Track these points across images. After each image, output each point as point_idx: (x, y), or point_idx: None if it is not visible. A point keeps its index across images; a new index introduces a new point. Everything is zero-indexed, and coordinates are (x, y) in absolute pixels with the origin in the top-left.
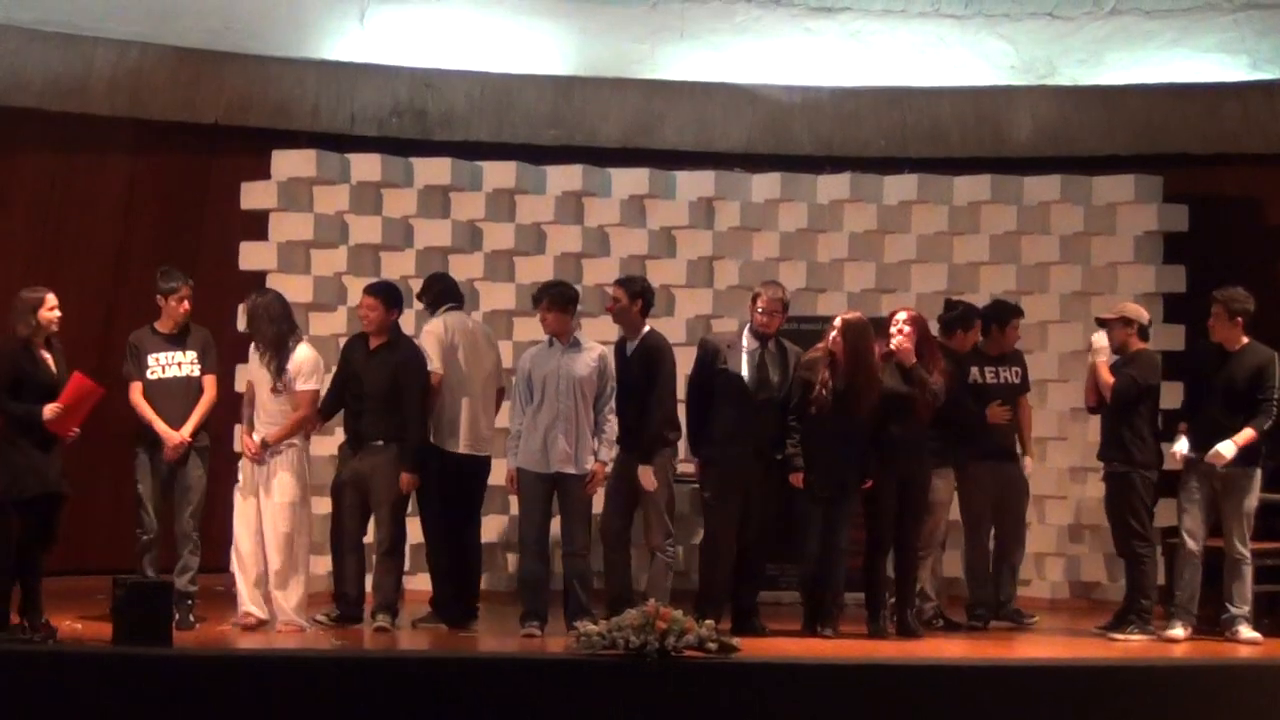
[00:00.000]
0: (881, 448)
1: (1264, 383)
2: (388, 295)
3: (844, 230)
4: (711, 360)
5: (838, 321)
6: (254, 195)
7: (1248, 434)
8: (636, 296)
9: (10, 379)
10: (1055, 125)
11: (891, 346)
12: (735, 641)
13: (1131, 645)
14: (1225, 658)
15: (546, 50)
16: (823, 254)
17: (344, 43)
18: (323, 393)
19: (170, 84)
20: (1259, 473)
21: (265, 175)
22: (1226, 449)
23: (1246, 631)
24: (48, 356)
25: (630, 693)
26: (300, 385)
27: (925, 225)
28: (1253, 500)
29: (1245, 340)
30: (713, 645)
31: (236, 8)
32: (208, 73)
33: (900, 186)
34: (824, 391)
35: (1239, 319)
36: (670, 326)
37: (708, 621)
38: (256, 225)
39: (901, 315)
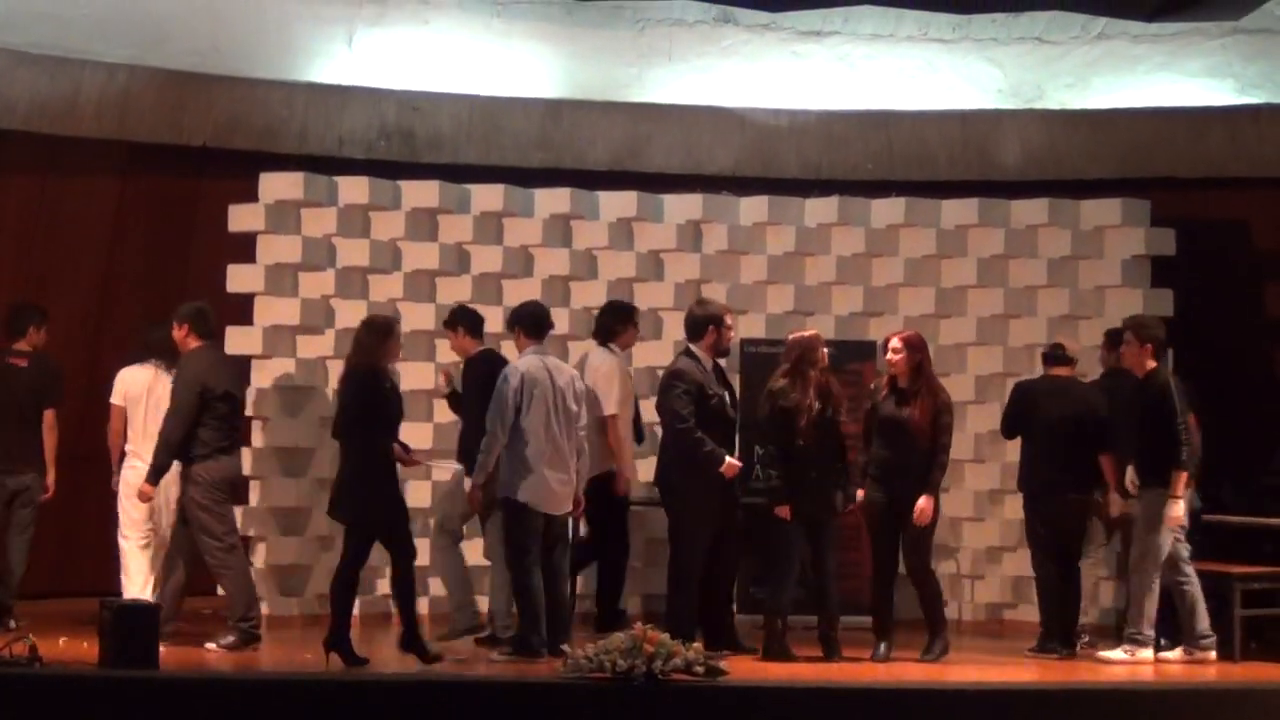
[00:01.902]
0: (876, 471)
1: (1164, 404)
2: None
3: (831, 253)
4: (700, 390)
5: (791, 338)
6: (242, 217)
7: (1178, 478)
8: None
9: (366, 407)
10: (1042, 149)
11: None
12: (723, 664)
13: (1119, 669)
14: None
15: (534, 73)
16: (810, 277)
17: (332, 65)
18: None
19: (158, 106)
20: (1156, 495)
21: (253, 198)
22: (1177, 509)
23: (1112, 652)
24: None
25: (618, 716)
26: None
27: (913, 248)
28: (1157, 523)
29: (1152, 364)
30: (700, 668)
31: (224, 30)
32: (196, 95)
33: (888, 210)
34: (808, 419)
35: (1149, 346)
36: (658, 349)
37: (695, 644)
38: (244, 247)
39: (895, 341)
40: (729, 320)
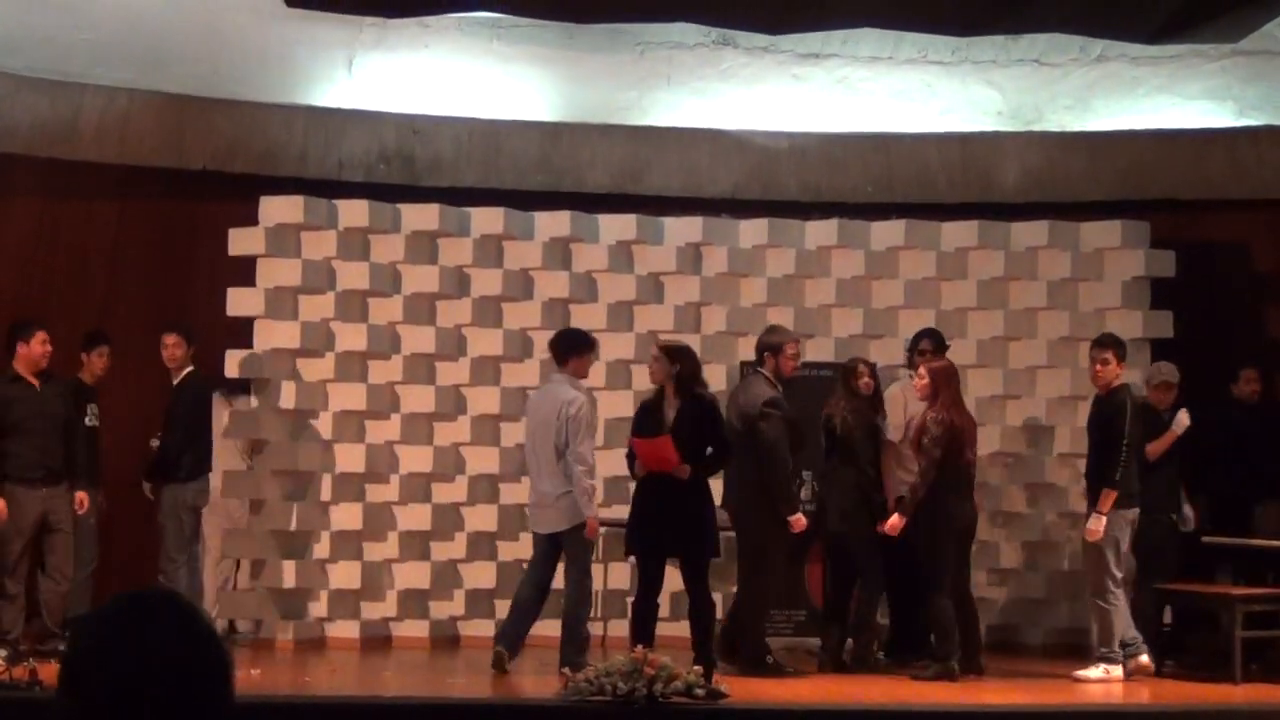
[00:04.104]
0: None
1: (1118, 422)
2: None
3: (831, 276)
4: (787, 418)
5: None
6: (242, 241)
7: (1107, 496)
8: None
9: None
10: (1042, 171)
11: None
12: (724, 688)
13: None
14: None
15: (534, 97)
16: (810, 300)
17: (332, 89)
18: None
19: (158, 130)
20: (1111, 515)
21: (253, 221)
22: (1097, 524)
23: (1088, 671)
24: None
25: None
26: None
27: (913, 271)
28: (1108, 541)
29: (1119, 382)
30: (700, 691)
31: (224, 54)
32: (196, 119)
33: (887, 232)
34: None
35: (1124, 364)
36: None
37: (695, 668)
38: (244, 271)
39: (922, 369)
40: (789, 349)
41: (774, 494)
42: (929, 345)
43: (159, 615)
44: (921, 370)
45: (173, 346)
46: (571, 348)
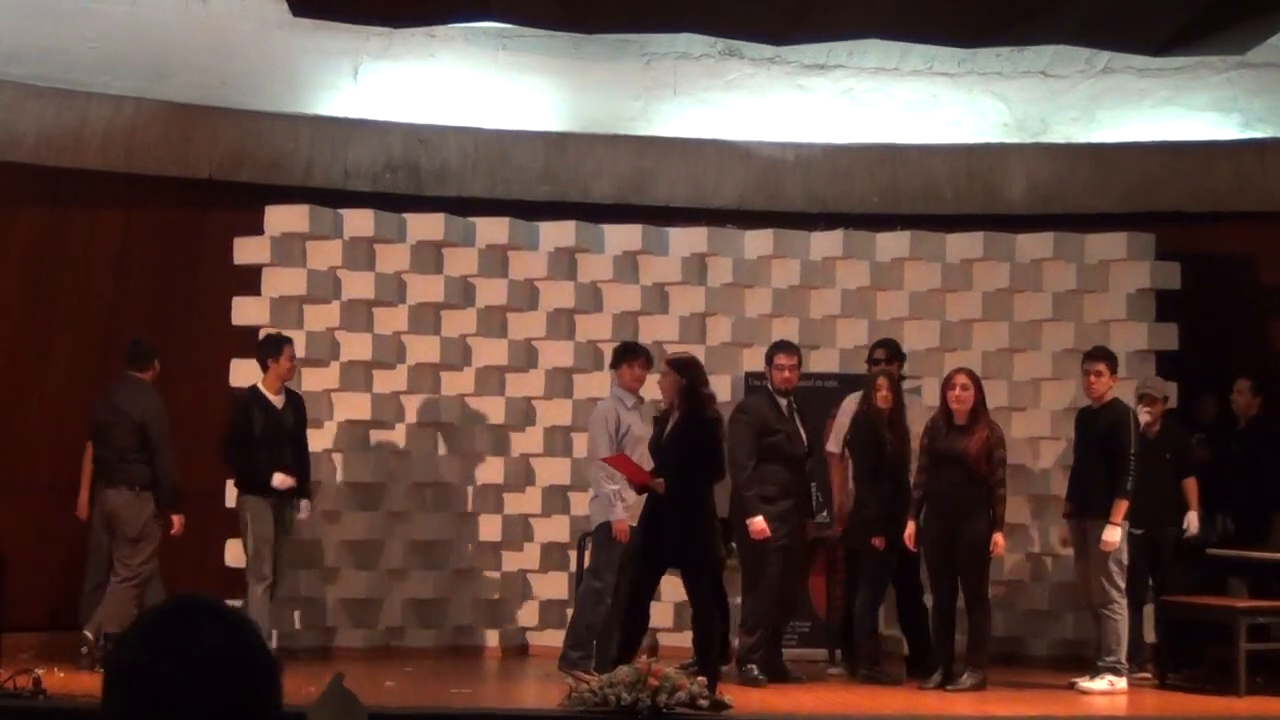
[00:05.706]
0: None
1: (1122, 432)
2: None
3: (836, 287)
4: (762, 425)
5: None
6: (247, 250)
7: (1121, 507)
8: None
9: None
10: (1048, 183)
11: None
12: (727, 699)
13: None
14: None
15: (540, 106)
16: (815, 310)
17: (338, 99)
18: None
19: (164, 139)
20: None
21: (258, 230)
22: (1113, 535)
23: (1093, 682)
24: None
25: None
26: None
27: (918, 282)
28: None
29: (1112, 395)
30: (705, 702)
31: (230, 64)
32: (201, 128)
33: (893, 243)
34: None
35: (1116, 376)
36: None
37: (700, 678)
38: (249, 280)
39: (963, 378)
40: (777, 359)
41: (737, 498)
42: (883, 355)
43: (206, 621)
44: (964, 379)
45: (294, 360)
46: (619, 357)
